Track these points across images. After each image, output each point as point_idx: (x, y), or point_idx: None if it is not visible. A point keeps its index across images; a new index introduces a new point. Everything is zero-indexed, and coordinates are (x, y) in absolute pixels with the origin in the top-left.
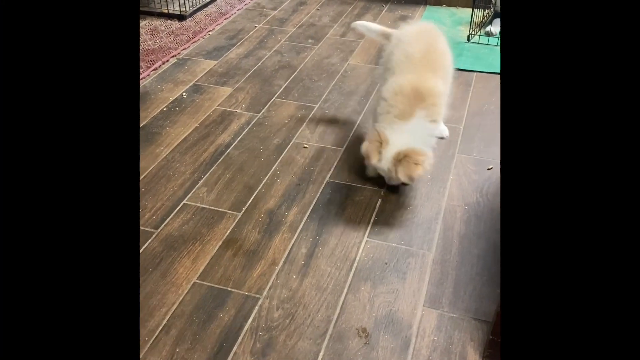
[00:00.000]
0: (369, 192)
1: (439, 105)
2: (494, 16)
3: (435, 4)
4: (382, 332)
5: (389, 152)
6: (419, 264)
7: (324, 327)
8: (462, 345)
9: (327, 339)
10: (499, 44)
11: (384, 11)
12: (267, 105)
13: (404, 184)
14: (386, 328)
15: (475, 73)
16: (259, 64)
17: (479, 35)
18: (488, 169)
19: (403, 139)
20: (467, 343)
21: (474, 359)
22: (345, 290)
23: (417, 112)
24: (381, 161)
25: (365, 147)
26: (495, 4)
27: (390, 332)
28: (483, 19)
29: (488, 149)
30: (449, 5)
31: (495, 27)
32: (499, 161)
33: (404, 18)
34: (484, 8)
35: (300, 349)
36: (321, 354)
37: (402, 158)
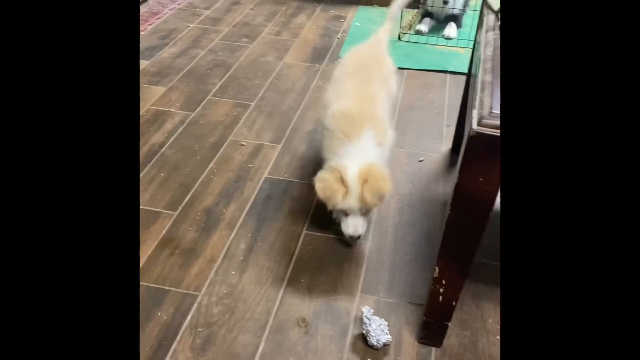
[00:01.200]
0: (307, 187)
1: (383, 129)
2: (424, 15)
3: (367, 4)
4: (322, 321)
5: (352, 176)
6: (356, 253)
7: (264, 320)
8: (398, 328)
9: (267, 331)
10: (429, 41)
11: (317, 11)
12: (202, 103)
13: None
14: (325, 317)
15: (406, 70)
16: (193, 62)
17: (409, 34)
18: (419, 161)
19: (359, 157)
20: (403, 327)
21: (410, 341)
22: (284, 283)
23: (362, 132)
24: (349, 194)
25: (322, 187)
26: (424, 3)
27: (329, 320)
28: (413, 18)
29: (419, 142)
30: (381, 5)
31: (425, 26)
32: (429, 153)
33: (337, 18)
34: (415, 7)
35: (241, 342)
36: (262, 345)
37: (367, 177)
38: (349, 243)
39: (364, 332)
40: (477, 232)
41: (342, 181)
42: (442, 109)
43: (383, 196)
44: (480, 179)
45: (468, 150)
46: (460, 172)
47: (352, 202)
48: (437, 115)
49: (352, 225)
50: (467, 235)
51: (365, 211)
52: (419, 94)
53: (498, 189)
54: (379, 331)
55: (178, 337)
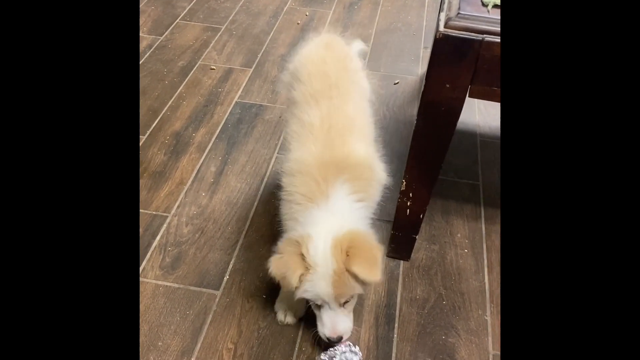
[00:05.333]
0: (279, 110)
1: (366, 177)
2: None
3: None
4: None
5: (321, 248)
6: None
7: (235, 239)
8: None
9: (237, 249)
10: None
11: None
12: (171, 27)
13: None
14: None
15: None
16: None
17: None
18: (395, 84)
19: (332, 223)
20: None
21: None
22: (255, 204)
23: (333, 190)
24: (313, 275)
25: (275, 263)
26: None
27: None
28: None
29: (395, 65)
30: None
31: None
32: (405, 76)
33: None
34: None
35: (211, 260)
36: (232, 262)
37: (348, 248)
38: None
39: None
40: (443, 142)
41: (302, 257)
42: (420, 30)
43: (372, 278)
44: (447, 86)
45: (434, 54)
46: (427, 78)
47: (320, 286)
48: (414, 37)
49: (329, 324)
50: (434, 145)
51: (345, 301)
52: (396, 15)
53: (465, 97)
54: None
55: (147, 256)
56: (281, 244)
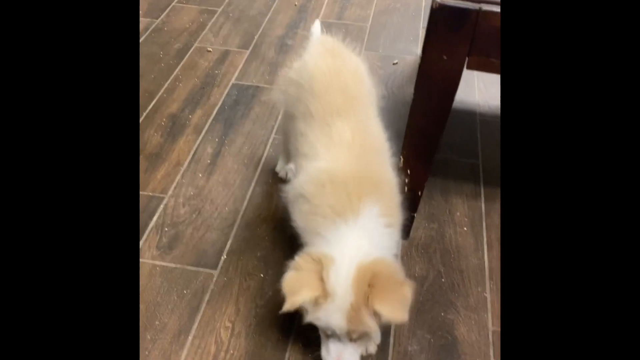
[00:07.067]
0: (276, 92)
1: (396, 201)
2: None
3: None
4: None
5: (343, 275)
6: None
7: (232, 219)
8: None
9: (235, 229)
10: None
11: None
12: (167, 10)
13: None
14: None
15: None
16: None
17: None
18: (393, 64)
19: (355, 246)
20: None
21: None
22: (252, 184)
23: (363, 208)
24: (329, 303)
25: (289, 278)
26: None
27: None
28: None
29: (393, 45)
30: None
31: None
32: (403, 56)
33: None
34: None
35: (208, 240)
36: (229, 241)
37: (371, 280)
38: None
39: None
40: (441, 115)
41: (322, 280)
42: (419, 11)
43: (398, 319)
44: (444, 57)
45: (431, 25)
46: (423, 50)
47: (334, 318)
48: (413, 18)
49: (334, 354)
50: (431, 119)
51: (358, 336)
52: None
53: (462, 68)
54: None
55: (144, 237)
56: (299, 259)
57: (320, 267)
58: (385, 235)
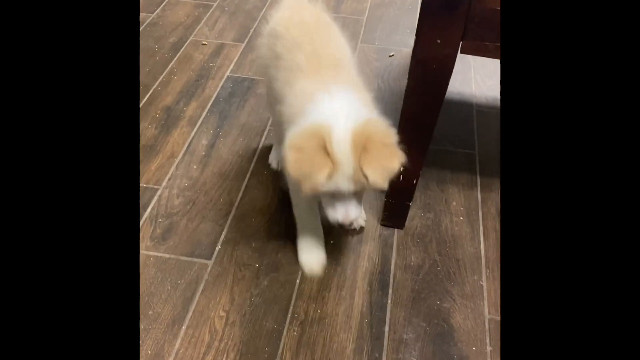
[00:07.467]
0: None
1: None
2: None
3: None
4: (287, 208)
5: (342, 140)
6: None
7: (227, 210)
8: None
9: (230, 220)
10: None
11: None
12: (162, 5)
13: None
14: (289, 205)
15: None
16: None
17: None
18: (389, 56)
19: (345, 113)
20: (366, 211)
21: (372, 224)
22: (248, 176)
23: (337, 75)
24: (337, 170)
25: (296, 162)
26: None
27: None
28: None
29: (389, 38)
30: None
31: None
32: (399, 48)
33: None
34: None
35: (203, 231)
36: (224, 232)
37: (366, 142)
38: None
39: None
40: (435, 102)
41: (327, 151)
42: (415, 3)
43: (392, 172)
44: (438, 41)
45: (424, 8)
46: (417, 35)
47: (342, 182)
48: (409, 11)
49: (341, 211)
50: (426, 106)
51: (360, 189)
52: None
53: (456, 53)
54: None
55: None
56: (298, 139)
57: (322, 140)
58: (363, 107)
